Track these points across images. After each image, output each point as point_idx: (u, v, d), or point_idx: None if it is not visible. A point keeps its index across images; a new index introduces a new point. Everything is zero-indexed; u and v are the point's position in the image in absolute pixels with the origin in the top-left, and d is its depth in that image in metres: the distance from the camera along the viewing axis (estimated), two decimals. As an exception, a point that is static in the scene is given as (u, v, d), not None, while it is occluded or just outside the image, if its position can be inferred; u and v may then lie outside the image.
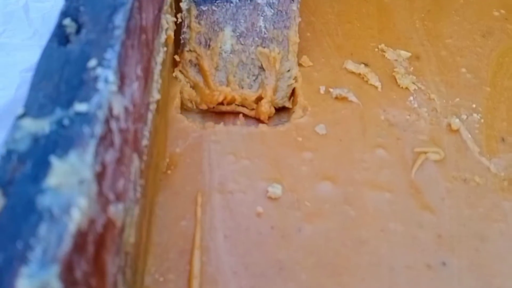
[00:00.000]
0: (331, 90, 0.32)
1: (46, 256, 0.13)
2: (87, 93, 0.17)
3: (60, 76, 0.17)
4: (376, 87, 0.33)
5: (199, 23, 0.31)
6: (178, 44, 0.32)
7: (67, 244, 0.14)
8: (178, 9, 0.32)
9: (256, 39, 0.32)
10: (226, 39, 0.31)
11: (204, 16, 0.32)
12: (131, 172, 0.20)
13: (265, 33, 0.32)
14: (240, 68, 0.32)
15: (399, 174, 0.29)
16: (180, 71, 0.32)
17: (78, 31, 0.19)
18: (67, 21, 0.19)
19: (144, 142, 0.22)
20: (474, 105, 0.33)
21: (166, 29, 0.27)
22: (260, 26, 0.32)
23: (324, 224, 0.26)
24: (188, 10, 0.32)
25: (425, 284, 0.25)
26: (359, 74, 0.33)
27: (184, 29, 0.32)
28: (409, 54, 0.35)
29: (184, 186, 0.27)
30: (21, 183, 0.14)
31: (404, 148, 0.30)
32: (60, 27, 0.19)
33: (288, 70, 0.32)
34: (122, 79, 0.19)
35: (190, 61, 0.32)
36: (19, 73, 0.27)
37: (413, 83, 0.33)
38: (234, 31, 0.32)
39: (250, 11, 0.32)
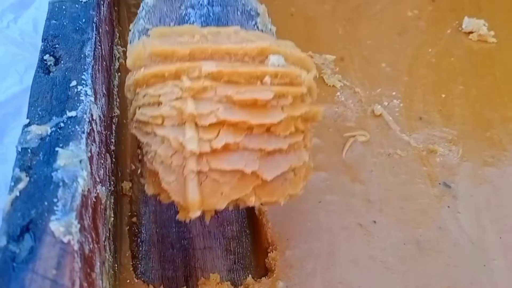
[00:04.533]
0: (265, 93, 0.42)
1: (66, 208, 0.22)
2: (74, 104, 0.26)
3: (51, 95, 0.26)
4: (307, 88, 0.43)
5: None
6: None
7: (78, 200, 0.22)
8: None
9: None
10: None
11: None
12: (106, 167, 0.29)
13: None
14: None
15: (333, 156, 0.39)
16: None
17: (56, 63, 0.28)
18: (46, 57, 0.29)
19: (112, 147, 0.31)
20: (394, 93, 0.44)
21: (118, 58, 0.36)
22: None
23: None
24: None
25: (359, 239, 0.35)
26: (290, 78, 0.43)
27: None
28: (334, 57, 0.45)
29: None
30: (38, 166, 0.23)
31: (335, 135, 0.40)
32: (42, 61, 0.28)
33: None
34: (95, 94, 0.28)
35: None
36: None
37: (339, 81, 0.44)
38: None
39: None
